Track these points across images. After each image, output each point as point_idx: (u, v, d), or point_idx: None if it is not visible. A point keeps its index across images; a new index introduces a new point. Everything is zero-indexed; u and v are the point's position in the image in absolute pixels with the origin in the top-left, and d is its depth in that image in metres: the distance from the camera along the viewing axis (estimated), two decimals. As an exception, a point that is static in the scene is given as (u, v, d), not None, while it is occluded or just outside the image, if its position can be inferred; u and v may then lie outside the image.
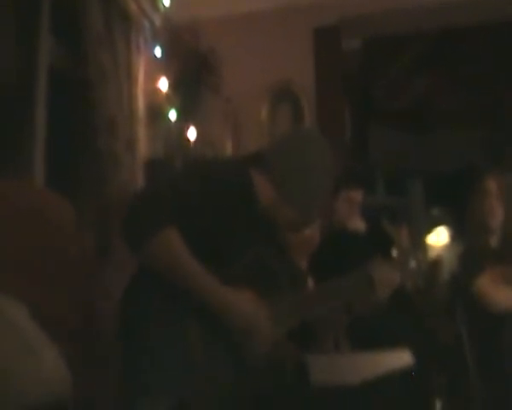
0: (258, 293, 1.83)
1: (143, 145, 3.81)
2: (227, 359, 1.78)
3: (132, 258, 1.82)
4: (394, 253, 1.98)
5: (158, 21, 4.11)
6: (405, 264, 1.99)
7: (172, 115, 4.27)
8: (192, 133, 4.36)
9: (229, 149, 4.46)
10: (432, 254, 2.07)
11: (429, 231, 2.07)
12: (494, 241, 3.11)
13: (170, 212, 1.76)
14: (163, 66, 4.26)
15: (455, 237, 2.17)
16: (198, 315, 1.76)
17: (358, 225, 3.36)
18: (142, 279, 1.80)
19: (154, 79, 4.20)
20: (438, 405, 3.02)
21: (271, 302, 1.85)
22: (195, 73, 4.42)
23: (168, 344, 1.72)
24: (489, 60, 5.74)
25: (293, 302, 1.92)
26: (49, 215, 2.14)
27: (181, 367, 1.71)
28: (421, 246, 2.04)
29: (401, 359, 2.09)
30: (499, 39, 5.21)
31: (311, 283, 3.15)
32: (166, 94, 4.25)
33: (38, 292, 1.95)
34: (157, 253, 1.75)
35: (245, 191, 1.94)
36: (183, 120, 4.33)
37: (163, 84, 4.26)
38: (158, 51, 4.20)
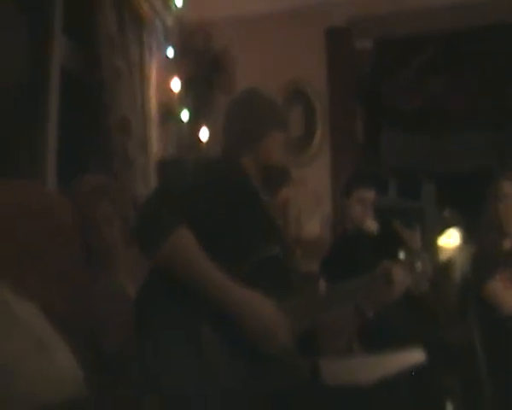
0: (272, 291, 1.83)
1: (156, 145, 3.82)
2: (239, 359, 1.77)
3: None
4: (402, 255, 1.97)
5: (170, 22, 4.11)
6: (412, 266, 1.98)
7: (185, 115, 4.28)
8: (204, 133, 4.37)
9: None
10: (444, 256, 2.05)
11: (441, 232, 2.05)
12: (508, 244, 3.10)
13: (179, 213, 1.76)
14: (175, 66, 4.27)
15: (467, 239, 2.16)
16: (211, 315, 1.75)
17: (371, 226, 3.35)
18: (156, 276, 1.80)
19: (167, 80, 4.21)
20: (449, 406, 3.01)
21: (286, 303, 1.84)
22: (208, 73, 4.42)
23: (180, 344, 1.73)
24: (502, 60, 5.70)
25: (308, 303, 1.91)
26: (60, 214, 2.16)
27: (193, 367, 1.71)
28: (429, 248, 2.02)
29: (413, 357, 2.08)
30: (512, 39, 5.17)
31: (322, 284, 3.14)
32: (179, 94, 4.25)
33: (51, 290, 1.96)
34: (171, 256, 1.75)
35: (243, 183, 1.98)
36: (196, 120, 4.33)
37: (175, 84, 4.26)
38: (170, 52, 4.22)
